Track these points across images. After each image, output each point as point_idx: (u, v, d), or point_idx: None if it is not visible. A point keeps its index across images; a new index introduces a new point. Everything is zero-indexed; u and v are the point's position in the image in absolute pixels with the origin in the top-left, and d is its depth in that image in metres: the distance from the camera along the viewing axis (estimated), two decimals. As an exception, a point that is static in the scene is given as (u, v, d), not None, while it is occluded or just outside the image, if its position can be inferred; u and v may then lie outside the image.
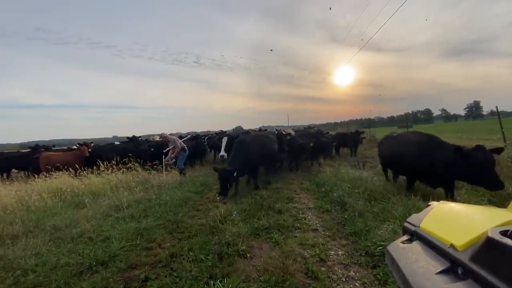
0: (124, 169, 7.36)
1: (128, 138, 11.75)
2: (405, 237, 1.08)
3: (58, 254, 3.03)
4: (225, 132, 13.69)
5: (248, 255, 2.85)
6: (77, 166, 7.68)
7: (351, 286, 2.31)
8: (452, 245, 0.79)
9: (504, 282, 0.58)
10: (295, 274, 2.41)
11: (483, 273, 0.63)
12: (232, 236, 3.17)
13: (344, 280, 2.38)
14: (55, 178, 6.71)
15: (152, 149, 9.35)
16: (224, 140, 7.92)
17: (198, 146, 11.46)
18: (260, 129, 14.32)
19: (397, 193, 4.24)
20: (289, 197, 5.09)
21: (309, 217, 4.04)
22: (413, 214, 1.17)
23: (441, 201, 1.19)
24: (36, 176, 7.34)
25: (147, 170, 7.45)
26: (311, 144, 8.11)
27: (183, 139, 8.87)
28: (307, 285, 2.32)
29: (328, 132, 12.53)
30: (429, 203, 1.22)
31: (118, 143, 12.10)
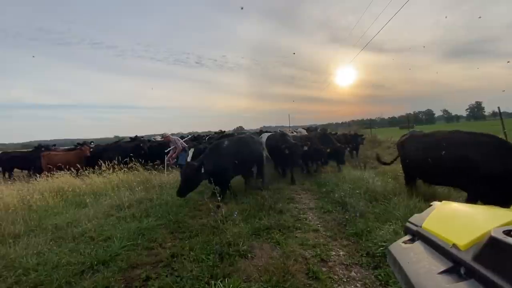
0: (126, 169, 7.38)
1: (130, 138, 11.80)
2: (407, 237, 1.08)
3: (59, 253, 3.04)
4: (224, 132, 13.52)
5: (249, 255, 2.85)
6: (79, 166, 7.70)
7: (352, 286, 2.30)
8: (454, 245, 0.78)
9: (507, 282, 0.57)
10: (296, 275, 2.41)
11: (486, 272, 0.63)
12: (233, 236, 3.17)
13: (345, 280, 2.38)
14: (57, 177, 6.74)
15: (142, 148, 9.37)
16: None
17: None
18: (261, 131, 13.79)
19: (398, 194, 4.22)
20: (290, 197, 5.09)
21: (310, 217, 4.04)
22: (415, 214, 1.17)
23: (443, 201, 1.19)
24: (38, 175, 7.37)
25: (148, 170, 7.46)
26: (328, 150, 7.34)
27: (184, 139, 8.89)
28: (308, 285, 2.31)
29: (337, 133, 12.02)
30: (431, 203, 1.21)
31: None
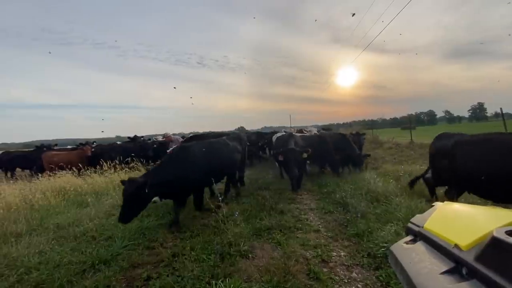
0: (127, 169, 7.40)
1: (129, 138, 11.76)
2: (408, 238, 1.08)
3: (61, 252, 3.05)
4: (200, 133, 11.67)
5: (250, 255, 2.85)
6: (80, 166, 7.73)
7: (353, 287, 2.29)
8: (456, 245, 0.78)
9: (510, 282, 0.57)
10: (297, 275, 2.40)
11: (488, 273, 0.63)
12: (234, 236, 3.17)
13: (346, 281, 2.37)
14: (59, 177, 6.76)
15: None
16: None
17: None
18: (274, 131, 12.75)
19: (400, 195, 4.21)
20: (291, 198, 5.08)
21: (311, 218, 4.03)
22: (417, 215, 1.17)
23: (445, 202, 1.19)
24: (40, 175, 7.40)
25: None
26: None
27: (185, 139, 8.91)
28: (309, 286, 2.31)
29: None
30: (432, 204, 1.21)
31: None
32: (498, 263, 0.62)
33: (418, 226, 1.05)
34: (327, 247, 2.99)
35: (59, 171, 7.26)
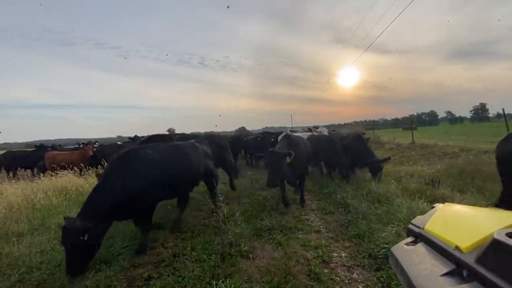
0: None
1: (129, 138, 11.75)
2: (409, 239, 1.08)
3: (62, 252, 3.04)
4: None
5: (251, 255, 2.85)
6: (82, 165, 7.75)
7: (354, 288, 2.29)
8: (457, 247, 0.78)
9: (510, 284, 0.57)
10: (298, 276, 2.40)
11: (488, 275, 0.63)
12: (235, 236, 3.17)
13: (347, 282, 2.37)
14: (60, 177, 6.78)
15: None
16: None
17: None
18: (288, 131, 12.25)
19: (401, 196, 4.20)
20: (292, 198, 5.07)
21: (312, 218, 4.03)
22: (418, 216, 1.17)
23: (446, 203, 1.18)
24: (41, 174, 7.43)
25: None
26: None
27: None
28: (309, 286, 2.31)
29: (364, 133, 9.42)
30: (433, 205, 1.21)
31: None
32: (499, 265, 0.62)
33: (419, 227, 1.05)
34: (328, 248, 2.99)
35: (61, 171, 7.29)
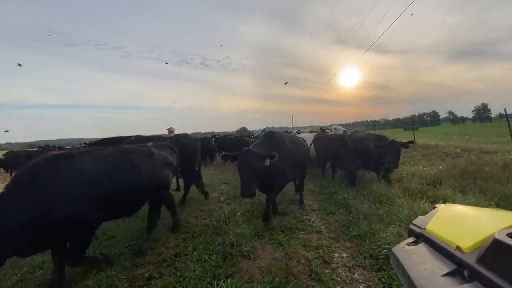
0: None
1: (40, 147, 11.76)
2: (410, 239, 1.08)
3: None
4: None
5: (252, 256, 2.85)
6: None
7: (355, 288, 2.29)
8: (458, 247, 0.78)
9: (511, 285, 0.57)
10: (299, 276, 2.40)
11: (489, 275, 0.63)
12: (236, 236, 3.18)
13: (348, 282, 2.37)
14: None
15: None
16: None
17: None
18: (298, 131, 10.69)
19: (402, 196, 4.19)
20: (293, 199, 5.07)
21: (313, 218, 4.03)
22: (419, 216, 1.17)
23: (447, 204, 1.18)
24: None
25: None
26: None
27: None
28: (310, 287, 2.31)
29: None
30: (435, 206, 1.21)
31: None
32: (500, 265, 0.62)
33: (420, 227, 1.05)
34: (329, 248, 2.99)
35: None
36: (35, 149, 13.00)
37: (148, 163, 3.14)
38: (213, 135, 16.05)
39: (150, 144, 3.53)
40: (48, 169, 2.29)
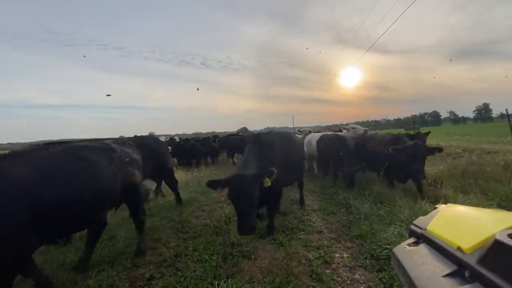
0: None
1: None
2: (411, 240, 1.08)
3: (65, 252, 3.08)
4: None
5: (253, 256, 2.85)
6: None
7: (356, 289, 2.29)
8: (459, 248, 0.78)
9: (512, 286, 0.57)
10: (300, 276, 2.40)
11: (490, 276, 0.63)
12: (237, 236, 3.18)
13: (349, 283, 2.36)
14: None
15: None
16: None
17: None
18: (310, 131, 9.98)
19: (403, 196, 4.18)
20: (294, 199, 5.07)
21: (313, 219, 4.02)
22: (420, 217, 1.16)
23: (448, 204, 1.18)
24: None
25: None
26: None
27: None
28: (311, 287, 2.31)
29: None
30: (436, 206, 1.21)
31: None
32: (501, 266, 0.62)
33: (421, 228, 1.05)
34: (330, 248, 2.99)
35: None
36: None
37: (106, 162, 2.54)
38: (214, 135, 16.08)
39: (109, 141, 2.98)
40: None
